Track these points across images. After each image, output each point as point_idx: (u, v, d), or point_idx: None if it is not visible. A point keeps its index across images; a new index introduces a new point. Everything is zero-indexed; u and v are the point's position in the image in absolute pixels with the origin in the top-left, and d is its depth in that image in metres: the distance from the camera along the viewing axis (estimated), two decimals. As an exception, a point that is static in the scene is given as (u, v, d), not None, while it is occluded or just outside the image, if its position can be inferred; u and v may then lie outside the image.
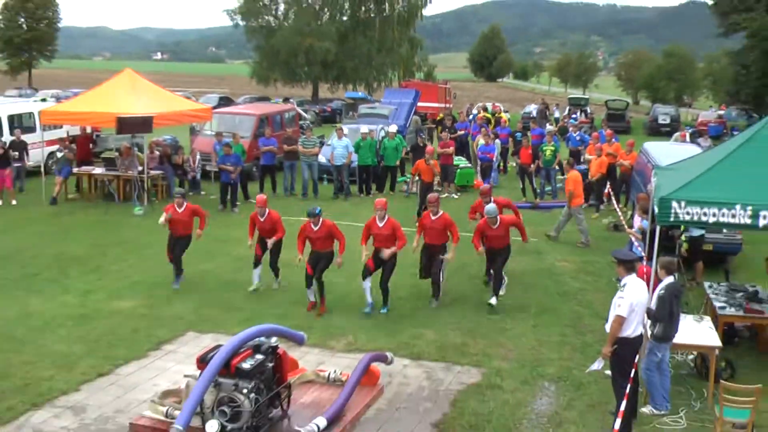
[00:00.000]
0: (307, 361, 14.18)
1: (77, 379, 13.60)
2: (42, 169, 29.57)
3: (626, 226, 21.53)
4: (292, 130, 33.16)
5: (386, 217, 17.68)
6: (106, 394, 13.08)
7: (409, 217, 26.11)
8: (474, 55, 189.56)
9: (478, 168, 32.10)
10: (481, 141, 31.68)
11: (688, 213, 13.61)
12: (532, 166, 29.47)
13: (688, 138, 38.59)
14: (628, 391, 11.28)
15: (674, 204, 13.63)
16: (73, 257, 21.25)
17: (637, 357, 11.84)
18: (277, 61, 77.09)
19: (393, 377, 13.79)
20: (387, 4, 78.83)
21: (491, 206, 17.97)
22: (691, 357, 14.48)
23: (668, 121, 61.08)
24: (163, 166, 29.50)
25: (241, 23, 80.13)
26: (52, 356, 14.69)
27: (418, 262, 18.17)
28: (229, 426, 11.10)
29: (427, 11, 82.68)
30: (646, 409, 12.48)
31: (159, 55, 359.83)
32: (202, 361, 11.46)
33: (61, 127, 33.08)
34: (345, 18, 79.58)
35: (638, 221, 18.96)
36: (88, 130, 32.58)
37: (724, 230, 19.33)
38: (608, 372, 12.23)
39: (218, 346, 11.84)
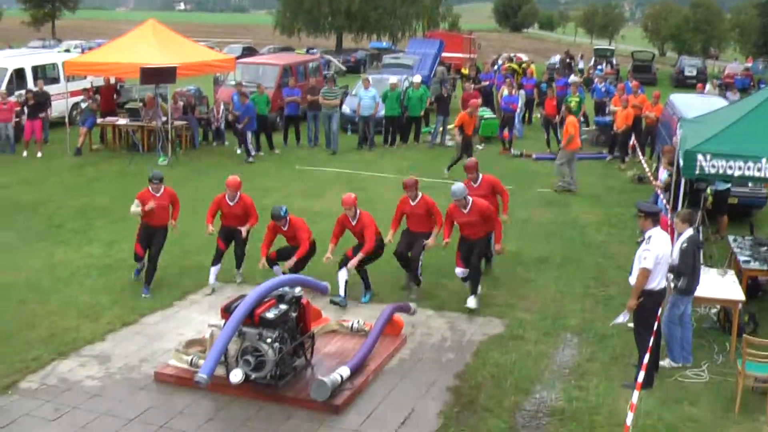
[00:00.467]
0: (330, 311, 14.25)
1: (102, 329, 13.70)
2: (66, 120, 29.63)
3: (651, 179, 21.42)
4: (316, 80, 33.08)
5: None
6: (131, 343, 13.18)
7: (434, 167, 26.11)
8: (499, 5, 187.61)
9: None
10: (505, 92, 31.48)
11: (713, 166, 13.52)
12: (556, 117, 29.30)
13: (707, 90, 38.13)
14: (651, 344, 11.28)
15: (699, 157, 13.54)
16: (98, 208, 21.33)
17: (660, 310, 11.83)
18: (301, 11, 76.80)
19: (416, 328, 13.84)
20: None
21: (457, 186, 15.07)
22: (714, 311, 14.43)
23: (694, 73, 60.59)
24: (187, 116, 29.50)
25: (265, -28, 79.64)
26: (78, 306, 14.80)
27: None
28: (253, 375, 11.19)
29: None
30: (664, 363, 12.46)
31: (182, 5, 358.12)
32: (227, 311, 11.54)
33: (84, 77, 33.09)
34: (369, -33, 78.97)
35: (663, 173, 18.86)
36: (112, 80, 32.54)
37: (750, 184, 19.22)
38: (631, 325, 12.22)
39: (242, 296, 11.91)
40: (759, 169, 13.22)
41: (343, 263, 15.08)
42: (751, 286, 15.19)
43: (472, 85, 32.80)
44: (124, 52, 28.25)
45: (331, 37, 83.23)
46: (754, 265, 14.68)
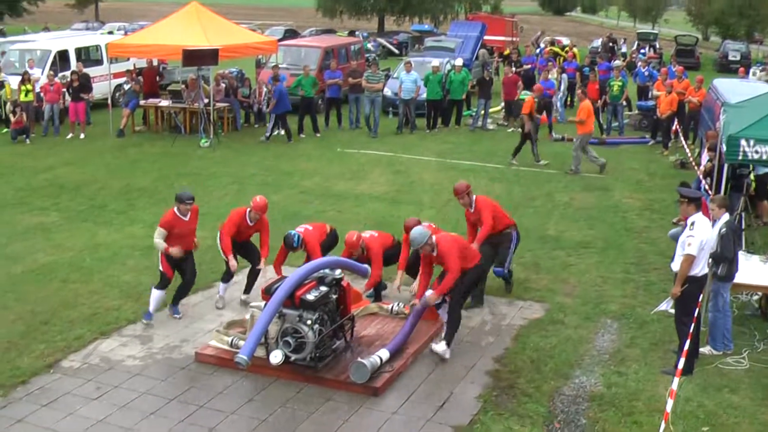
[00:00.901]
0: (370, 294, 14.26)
1: (144, 309, 13.78)
2: (109, 101, 29.83)
3: (694, 164, 21.27)
4: (357, 62, 33.08)
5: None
6: (172, 323, 13.27)
7: (474, 151, 26.07)
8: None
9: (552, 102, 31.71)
10: (550, 76, 31.30)
11: (756, 152, 13.44)
12: (599, 101, 29.13)
13: (749, 76, 37.72)
14: (691, 330, 11.21)
15: (742, 142, 13.45)
16: (140, 189, 21.48)
17: (701, 296, 11.76)
18: (343, -7, 76.75)
19: (456, 311, 13.83)
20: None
21: (417, 232, 12.22)
22: (755, 297, 14.29)
23: (738, 57, 59.90)
24: (229, 98, 29.60)
25: (307, -47, 79.79)
26: (120, 286, 14.93)
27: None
28: (293, 356, 11.24)
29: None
30: (705, 350, 12.38)
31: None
32: (267, 293, 11.60)
33: (127, 59, 33.21)
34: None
35: (706, 159, 18.71)
36: (155, 62, 32.67)
37: (793, 169, 19.02)
38: (672, 311, 12.15)
39: (283, 278, 11.96)
40: (803, 155, 13.10)
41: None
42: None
43: (513, 69, 32.62)
44: (167, 34, 28.40)
45: (372, 19, 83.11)
46: (797, 251, 14.54)
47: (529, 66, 36.19)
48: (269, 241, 14.30)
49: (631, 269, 16.05)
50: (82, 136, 28.27)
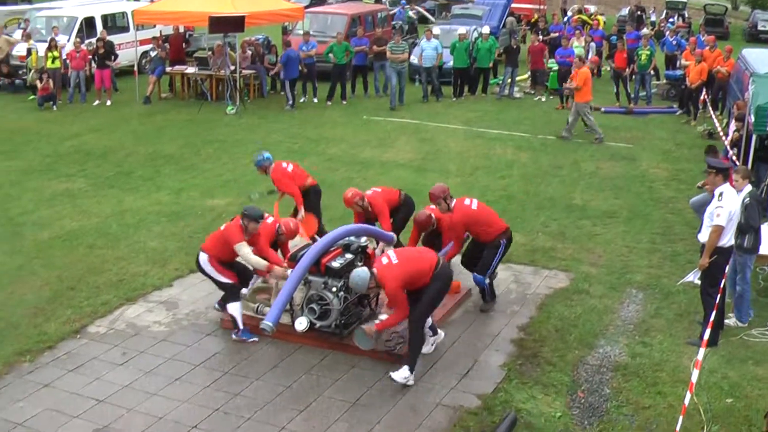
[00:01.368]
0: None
1: (170, 275, 13.88)
2: (135, 68, 29.85)
3: (722, 134, 21.13)
4: (384, 30, 32.94)
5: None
6: (198, 290, 13.32)
7: (500, 119, 25.95)
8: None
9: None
10: (577, 43, 31.05)
11: (785, 122, 13.32)
12: (627, 70, 28.92)
13: None
14: (717, 301, 11.17)
15: (772, 112, 13.34)
16: (167, 156, 21.54)
17: (727, 268, 11.70)
18: (371, -43, 76.26)
19: (481, 280, 13.83)
20: None
21: (358, 276, 10.62)
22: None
23: (768, 27, 59.30)
24: (255, 65, 29.57)
25: None
26: (146, 252, 15.00)
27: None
28: (318, 323, 11.28)
29: None
30: (730, 321, 12.33)
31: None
32: (293, 260, 11.63)
33: (153, 26, 33.22)
34: None
35: (733, 129, 18.57)
36: (181, 29, 32.66)
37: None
38: (698, 282, 12.10)
39: (309, 245, 11.98)
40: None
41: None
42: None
43: (540, 37, 32.38)
44: (193, 1, 28.32)
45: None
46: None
47: (557, 34, 35.91)
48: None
49: (657, 239, 15.98)
50: (108, 102, 28.33)
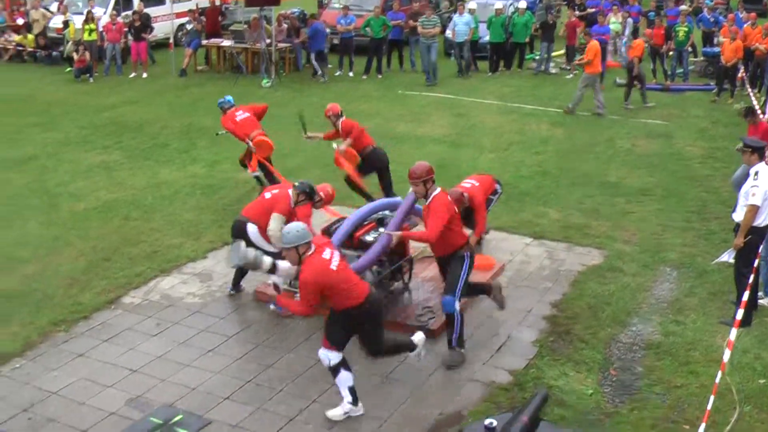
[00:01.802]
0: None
1: (205, 247, 13.96)
2: (171, 41, 29.93)
3: (759, 112, 20.94)
4: (420, 4, 32.81)
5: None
6: (231, 262, 13.39)
7: (535, 95, 25.85)
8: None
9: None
10: (614, 20, 30.83)
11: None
12: (663, 46, 28.68)
13: None
14: (751, 281, 11.09)
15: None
16: (202, 128, 21.61)
17: (761, 248, 11.62)
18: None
19: (515, 255, 13.82)
20: None
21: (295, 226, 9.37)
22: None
23: (808, 4, 58.59)
24: (291, 38, 29.58)
25: None
26: (181, 224, 15.10)
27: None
28: (351, 297, 11.28)
29: None
30: (764, 301, 12.24)
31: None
32: (326, 233, 11.65)
33: (189, -1, 33.40)
34: None
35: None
36: (217, 2, 32.74)
37: None
38: (732, 261, 12.03)
39: (343, 219, 12.00)
40: None
41: None
42: None
43: (576, 12, 32.14)
44: (229, -27, 28.42)
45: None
46: None
47: (593, 9, 35.63)
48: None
49: (692, 218, 15.87)
50: (144, 75, 28.47)
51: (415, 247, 12.82)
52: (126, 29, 29.03)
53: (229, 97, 16.87)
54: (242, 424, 9.14)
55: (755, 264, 11.26)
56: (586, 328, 11.44)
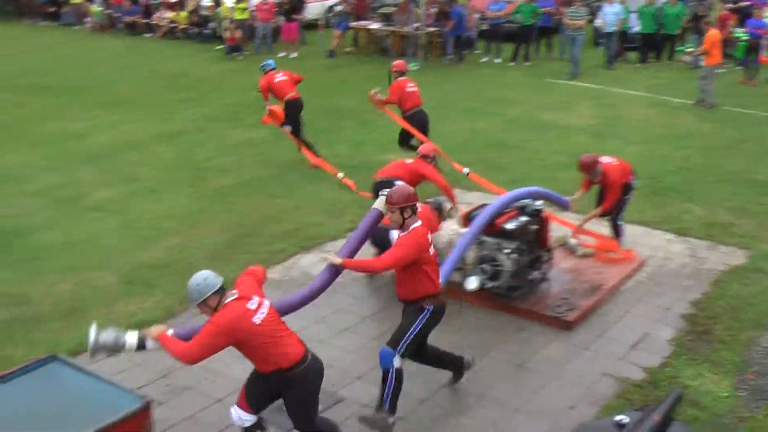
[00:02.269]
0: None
1: (345, 227, 14.11)
2: (322, 22, 30.30)
3: None
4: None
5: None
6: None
7: (685, 89, 25.30)
8: None
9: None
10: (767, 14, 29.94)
11: None
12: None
13: None
14: None
15: None
16: (347, 109, 21.85)
17: None
18: None
19: (656, 251, 13.60)
20: None
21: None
22: None
23: None
24: (440, 23, 29.61)
25: None
26: (323, 203, 15.32)
27: None
28: (489, 284, 11.32)
29: None
30: None
31: None
32: (468, 218, 11.68)
33: (342, -19, 33.70)
34: None
35: None
36: (367, -16, 33.04)
37: None
38: None
39: (484, 205, 12.01)
40: None
41: None
42: None
43: (727, 5, 31.30)
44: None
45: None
46: None
47: (748, 2, 34.66)
48: None
49: None
50: (294, 54, 28.90)
51: (555, 238, 12.81)
52: (276, 9, 29.49)
53: (270, 61, 18.81)
54: (373, 404, 9.21)
55: None
56: (725, 329, 11.19)
